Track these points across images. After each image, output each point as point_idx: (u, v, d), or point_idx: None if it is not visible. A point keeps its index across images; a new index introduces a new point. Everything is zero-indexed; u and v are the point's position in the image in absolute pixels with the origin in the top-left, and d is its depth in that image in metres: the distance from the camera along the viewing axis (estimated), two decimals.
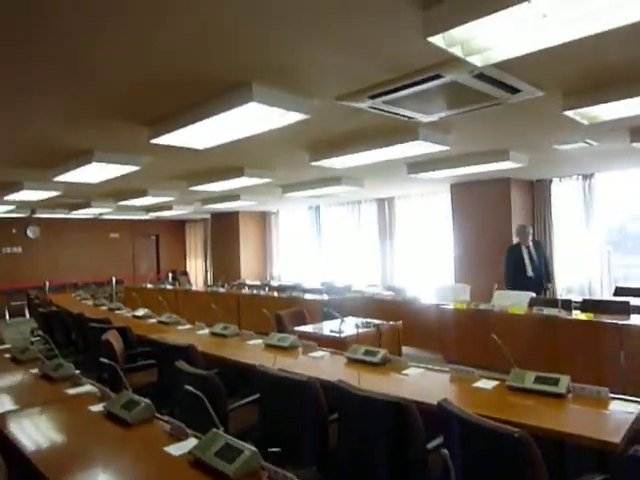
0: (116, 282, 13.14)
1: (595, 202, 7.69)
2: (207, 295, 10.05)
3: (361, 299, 7.80)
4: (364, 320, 5.26)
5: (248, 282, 11.27)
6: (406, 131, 4.04)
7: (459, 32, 1.99)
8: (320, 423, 2.61)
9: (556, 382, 2.56)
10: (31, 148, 4.56)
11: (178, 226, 16.35)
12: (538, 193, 8.22)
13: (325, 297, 8.19)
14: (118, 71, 2.69)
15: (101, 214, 11.57)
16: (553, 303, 5.85)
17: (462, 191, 8.29)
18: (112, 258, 14.34)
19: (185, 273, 16.09)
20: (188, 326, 5.44)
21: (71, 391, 2.92)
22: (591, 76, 3.03)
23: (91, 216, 12.06)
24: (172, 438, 2.08)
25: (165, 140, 3.72)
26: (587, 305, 5.69)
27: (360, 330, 4.93)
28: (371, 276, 10.69)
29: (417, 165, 6.01)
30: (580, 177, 7.80)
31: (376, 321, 5.17)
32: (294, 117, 3.17)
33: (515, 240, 6.91)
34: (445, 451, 1.56)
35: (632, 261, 8.13)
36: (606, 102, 3.16)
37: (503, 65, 2.72)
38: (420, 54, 2.46)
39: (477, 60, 2.28)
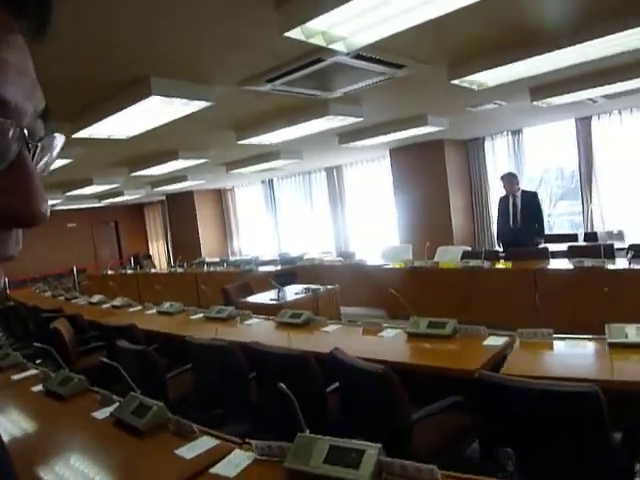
0: (77, 271, 13.17)
1: (523, 156, 8.13)
2: (166, 276, 10.27)
3: (311, 267, 8.15)
4: (304, 286, 5.61)
5: (207, 260, 11.50)
6: (318, 107, 4.30)
7: (315, 24, 2.24)
8: (243, 381, 2.95)
9: (444, 325, 2.88)
10: None
11: (136, 210, 16.32)
12: (472, 152, 8.62)
13: (278, 268, 8.52)
14: None
15: (52, 205, 11.50)
16: (479, 255, 6.34)
17: (400, 155, 8.63)
18: (72, 248, 14.31)
19: (148, 256, 16.16)
20: (139, 307, 5.68)
21: (16, 377, 3.18)
22: (470, 47, 3.32)
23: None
24: (100, 405, 2.39)
25: (86, 133, 3.88)
26: (510, 255, 6.16)
27: (298, 296, 5.32)
28: (325, 244, 11.05)
29: (346, 135, 6.28)
30: (510, 133, 8.21)
31: (313, 286, 5.53)
32: (198, 105, 3.39)
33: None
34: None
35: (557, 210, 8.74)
36: (485, 70, 3.46)
37: (379, 45, 3.00)
38: (296, 43, 2.71)
39: (341, 47, 2.54)
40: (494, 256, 6.21)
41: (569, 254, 5.74)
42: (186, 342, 3.38)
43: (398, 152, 8.62)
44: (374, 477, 1.24)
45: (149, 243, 16.71)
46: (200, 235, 13.03)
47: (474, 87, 3.88)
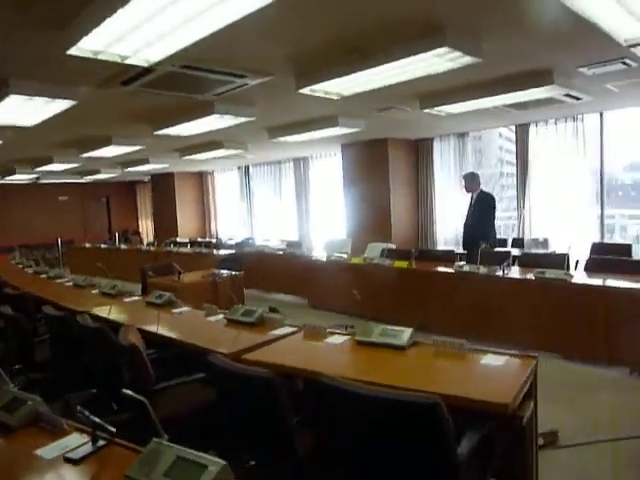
0: (63, 243, 13.81)
1: (466, 158, 8.29)
2: (133, 252, 10.88)
3: (254, 253, 8.53)
4: (210, 271, 6.01)
5: (178, 240, 12.02)
6: (204, 107, 4.62)
7: (88, 44, 2.56)
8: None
9: (398, 335, 2.67)
10: None
11: (129, 188, 16.90)
12: (421, 152, 8.79)
13: (229, 252, 8.93)
14: None
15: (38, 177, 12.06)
16: (400, 254, 6.61)
17: (349, 151, 8.88)
18: (61, 220, 15.01)
19: (137, 233, 16.79)
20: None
21: None
22: (314, 57, 3.53)
23: (32, 179, 12.55)
24: None
25: None
26: (422, 255, 6.41)
27: (198, 278, 5.74)
28: (290, 232, 11.40)
29: (274, 130, 6.58)
30: (455, 136, 8.36)
31: (217, 271, 5.93)
32: (63, 103, 3.76)
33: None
34: None
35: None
36: (331, 79, 3.68)
37: (207, 57, 3.31)
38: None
39: (139, 61, 2.86)
40: (406, 255, 6.46)
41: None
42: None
43: (347, 148, 8.86)
44: None
45: (139, 220, 17.30)
46: (178, 215, 13.52)
47: (334, 97, 4.14)
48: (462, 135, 8.30)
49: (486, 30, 3.10)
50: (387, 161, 8.24)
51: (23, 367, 4.25)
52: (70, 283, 5.86)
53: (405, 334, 2.70)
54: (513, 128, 7.77)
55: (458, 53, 3.02)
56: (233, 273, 5.97)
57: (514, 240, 7.35)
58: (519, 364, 2.36)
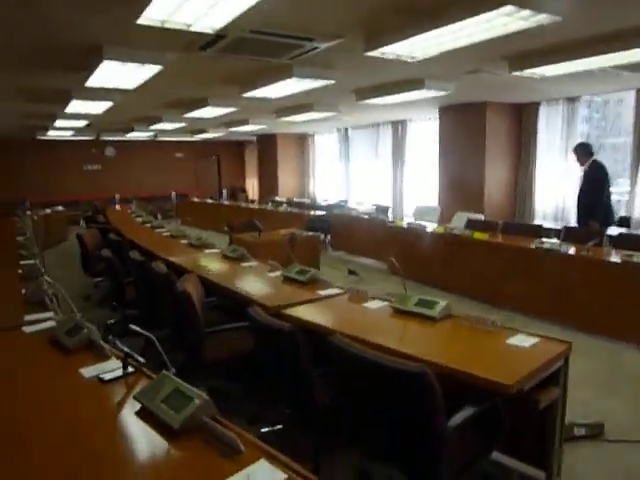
0: (177, 197, 15.09)
1: (575, 127, 7.54)
2: (234, 208, 11.64)
3: (343, 216, 8.68)
4: (290, 230, 6.26)
5: (277, 199, 12.57)
6: (283, 70, 4.73)
7: (152, 14, 2.78)
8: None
9: (433, 306, 2.65)
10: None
11: (237, 147, 17.82)
12: (525, 118, 8.16)
13: (318, 213, 9.19)
14: None
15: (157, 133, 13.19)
16: (487, 225, 6.36)
17: (446, 114, 8.52)
18: (176, 176, 16.37)
19: (244, 190, 17.76)
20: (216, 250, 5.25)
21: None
22: (383, 18, 3.45)
23: (151, 137, 13.78)
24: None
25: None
26: (508, 228, 6.09)
27: (277, 237, 6.03)
28: (384, 196, 11.34)
29: (364, 92, 6.53)
30: (564, 101, 7.62)
31: (297, 231, 6.16)
32: (151, 69, 4.11)
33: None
34: None
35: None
36: (398, 41, 3.58)
37: (273, 22, 3.40)
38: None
39: (204, 28, 3.04)
40: (491, 227, 6.16)
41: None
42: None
43: (444, 111, 8.51)
44: (183, 424, 1.49)
45: (246, 178, 18.24)
46: (279, 175, 14.05)
47: (405, 59, 4.02)
48: (572, 100, 7.53)
49: None
50: (484, 126, 7.79)
51: (118, 304, 4.89)
52: (167, 233, 6.49)
53: (439, 306, 2.69)
54: (632, 93, 6.89)
55: (527, 11, 2.78)
56: (311, 234, 6.18)
57: (621, 218, 6.66)
58: (547, 348, 2.26)
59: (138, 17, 2.80)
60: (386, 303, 2.99)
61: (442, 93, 5.97)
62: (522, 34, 3.44)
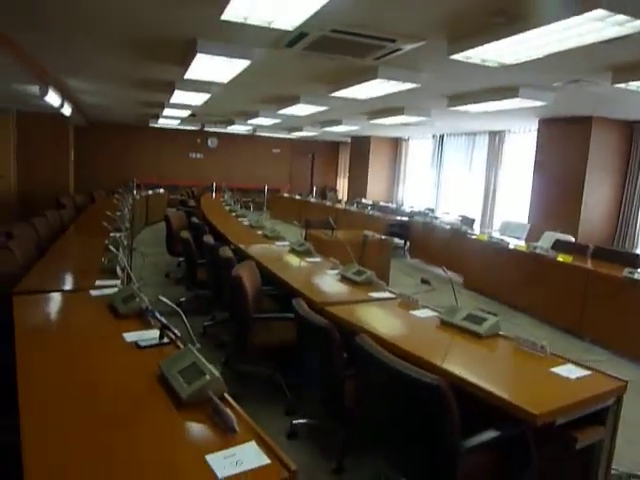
0: (269, 190, 15.64)
1: None
2: (320, 206, 11.85)
3: (424, 224, 8.49)
4: (364, 232, 6.24)
5: (364, 200, 12.60)
6: (369, 71, 4.73)
7: (233, 11, 2.92)
8: None
9: (481, 322, 2.54)
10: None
11: (333, 147, 18.06)
12: (636, 136, 7.42)
13: (400, 219, 9.09)
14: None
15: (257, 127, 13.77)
16: (578, 249, 5.90)
17: (545, 127, 7.98)
18: (272, 170, 16.99)
19: (334, 189, 17.98)
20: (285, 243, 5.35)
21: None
22: (467, 21, 3.33)
23: (250, 131, 14.42)
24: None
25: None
26: (598, 253, 5.61)
27: (350, 237, 6.03)
28: (474, 207, 10.90)
29: (455, 98, 6.33)
30: None
31: (370, 233, 6.12)
32: (240, 63, 4.31)
33: None
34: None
35: None
36: (481, 44, 3.42)
37: (355, 21, 3.42)
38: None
39: (284, 25, 3.14)
40: (580, 251, 5.68)
41: None
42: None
43: (544, 124, 7.99)
44: (190, 395, 1.59)
45: (337, 178, 18.43)
46: (369, 177, 14.04)
47: (491, 64, 3.83)
48: None
49: None
50: (588, 142, 7.18)
51: (190, 283, 5.19)
52: (247, 223, 6.77)
53: (487, 323, 2.55)
54: None
55: (622, 16, 2.54)
56: (384, 237, 6.12)
57: None
58: (595, 383, 2.06)
59: (222, 13, 2.96)
60: (435, 314, 2.90)
61: (539, 103, 5.61)
62: (624, 42, 3.15)
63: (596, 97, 5.64)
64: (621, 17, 2.57)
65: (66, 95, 7.78)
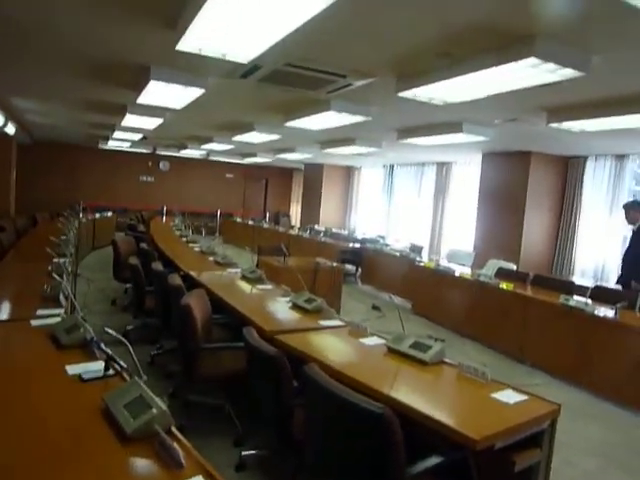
0: (221, 215, 15.53)
1: (622, 185, 7.28)
2: (272, 232, 11.84)
3: (375, 251, 8.67)
4: (316, 260, 6.31)
5: (316, 227, 12.72)
6: (322, 103, 4.88)
7: (191, 41, 2.97)
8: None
9: (426, 349, 2.61)
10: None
11: (286, 173, 18.23)
12: (572, 171, 7.95)
13: (352, 246, 9.23)
14: None
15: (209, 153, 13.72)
16: (510, 275, 6.20)
17: (488, 161, 8.43)
18: (225, 195, 16.92)
19: (287, 215, 18.07)
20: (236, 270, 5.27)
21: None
22: (414, 61, 3.52)
23: (203, 155, 14.34)
24: None
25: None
26: (537, 280, 5.90)
27: (302, 264, 6.07)
28: (422, 235, 11.24)
29: (404, 131, 6.60)
30: (613, 157, 7.39)
31: (321, 260, 6.20)
32: (194, 92, 4.35)
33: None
34: None
35: None
36: (427, 84, 3.63)
37: (309, 57, 3.54)
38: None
39: (238, 58, 3.21)
40: (520, 278, 5.98)
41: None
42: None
43: (487, 157, 8.44)
44: (135, 430, 1.55)
45: (291, 204, 18.57)
46: (322, 204, 14.23)
47: (436, 103, 4.06)
48: (621, 157, 7.30)
49: (595, 42, 2.79)
50: (527, 176, 7.63)
51: (138, 311, 5.05)
52: (198, 248, 6.69)
53: (432, 351, 2.64)
54: None
55: (552, 64, 2.78)
56: (335, 264, 6.21)
57: None
58: (531, 408, 2.17)
59: (177, 43, 3.00)
60: (383, 341, 2.96)
61: (481, 138, 5.94)
62: (555, 87, 3.42)
63: (533, 134, 6.04)
64: (552, 65, 2.80)
65: (10, 114, 7.52)
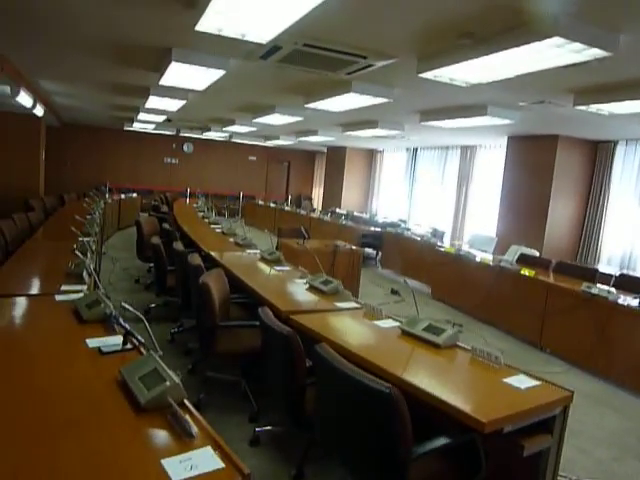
0: (244, 197, 15.62)
1: None
2: (292, 214, 11.89)
3: (395, 235, 8.62)
4: (335, 242, 6.31)
5: (338, 210, 12.70)
6: (343, 85, 4.83)
7: (210, 22, 2.97)
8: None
9: (440, 333, 2.62)
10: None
11: (309, 156, 18.18)
12: (600, 156, 7.72)
13: (373, 229, 9.21)
14: None
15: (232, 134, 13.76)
16: (532, 261, 6.11)
17: (514, 145, 8.24)
18: (248, 177, 16.99)
19: (309, 198, 18.06)
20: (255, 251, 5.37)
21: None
22: (436, 41, 3.43)
23: (226, 137, 14.40)
24: None
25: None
26: (560, 267, 5.80)
27: (321, 246, 6.09)
28: (445, 220, 11.13)
29: (427, 113, 6.50)
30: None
31: (342, 243, 6.20)
32: (215, 73, 4.36)
33: None
34: None
35: None
36: (448, 65, 3.55)
37: (327, 37, 3.51)
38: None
39: (256, 38, 3.20)
40: (543, 265, 5.88)
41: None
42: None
43: (513, 141, 8.25)
44: (149, 401, 1.61)
45: (313, 187, 18.54)
46: (344, 187, 14.18)
47: (462, 84, 3.98)
48: None
49: (623, 21, 2.69)
50: (554, 160, 7.44)
51: (161, 289, 5.16)
52: (220, 230, 6.77)
53: (445, 334, 2.64)
54: None
55: (578, 44, 2.69)
56: (354, 248, 6.21)
57: None
58: (543, 394, 2.15)
59: (197, 24, 3.00)
60: (397, 324, 2.97)
61: (506, 121, 5.81)
62: (582, 68, 3.32)
63: (560, 117, 5.87)
64: (578, 45, 2.72)
65: (38, 96, 7.66)
